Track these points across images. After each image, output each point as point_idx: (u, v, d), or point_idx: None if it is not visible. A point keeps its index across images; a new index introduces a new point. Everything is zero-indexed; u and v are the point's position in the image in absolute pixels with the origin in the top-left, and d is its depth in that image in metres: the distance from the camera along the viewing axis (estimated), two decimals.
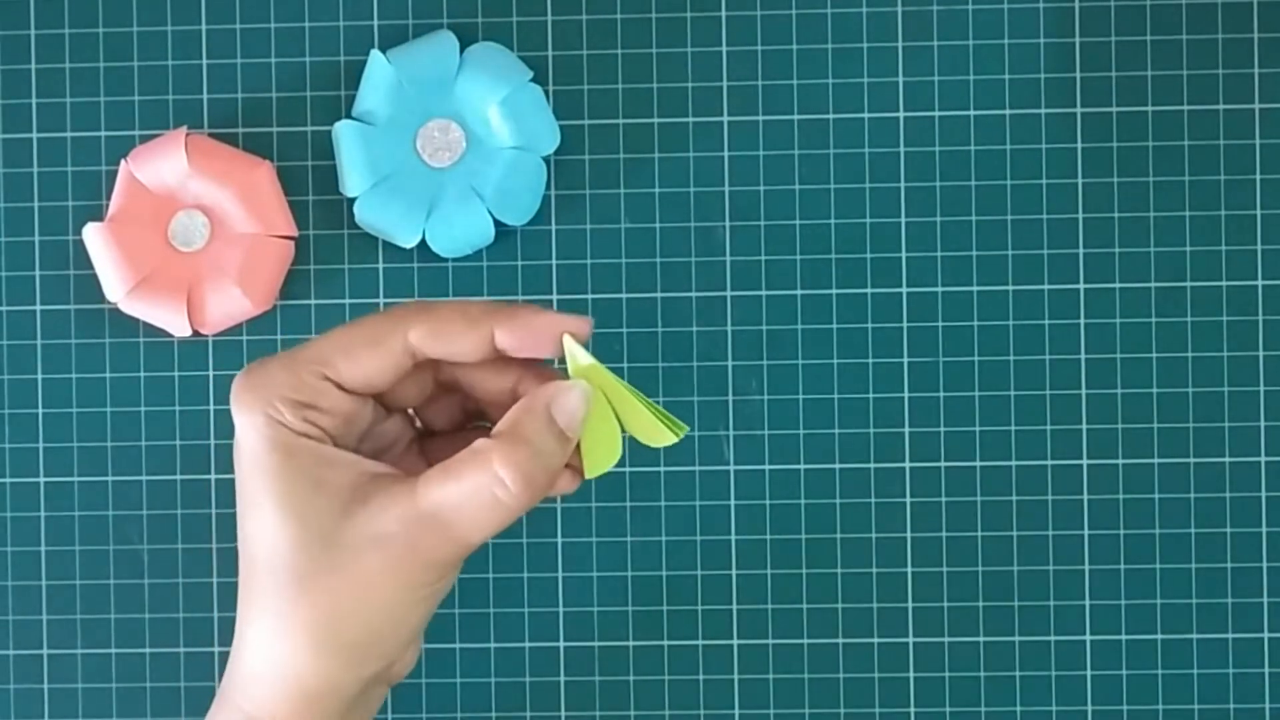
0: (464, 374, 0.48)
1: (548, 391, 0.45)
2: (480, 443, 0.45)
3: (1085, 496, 0.56)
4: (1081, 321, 0.56)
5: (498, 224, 0.56)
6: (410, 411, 0.49)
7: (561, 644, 0.57)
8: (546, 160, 0.56)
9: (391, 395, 0.48)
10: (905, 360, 0.56)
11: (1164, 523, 0.56)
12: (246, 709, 0.46)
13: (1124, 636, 0.56)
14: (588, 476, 0.46)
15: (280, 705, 0.46)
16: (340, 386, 0.46)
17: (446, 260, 0.57)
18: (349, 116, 0.56)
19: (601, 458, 0.46)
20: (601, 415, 0.46)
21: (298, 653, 0.45)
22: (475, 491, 0.44)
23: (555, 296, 0.57)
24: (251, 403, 0.45)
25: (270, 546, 0.45)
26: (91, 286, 0.57)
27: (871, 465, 0.56)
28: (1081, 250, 0.56)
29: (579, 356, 0.46)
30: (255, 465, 0.45)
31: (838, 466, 0.56)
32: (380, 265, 0.57)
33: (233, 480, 0.57)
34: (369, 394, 0.47)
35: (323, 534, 0.45)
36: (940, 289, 0.56)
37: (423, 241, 0.56)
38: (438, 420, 0.49)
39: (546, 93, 0.56)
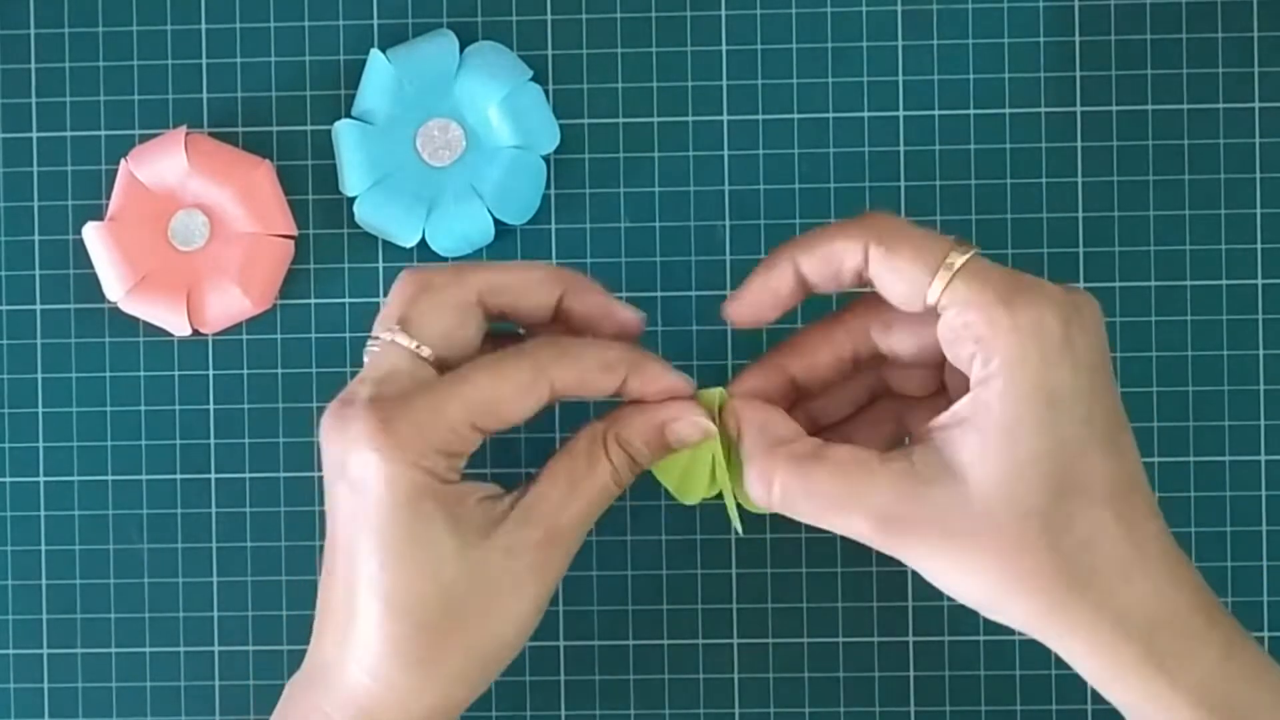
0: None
1: (673, 410, 0.48)
2: (592, 430, 0.48)
3: None
4: None
5: (497, 223, 0.56)
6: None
7: (561, 643, 0.57)
8: (546, 159, 0.56)
9: None
10: None
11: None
12: None
13: None
14: (685, 501, 0.50)
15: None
16: (482, 432, 0.47)
17: (446, 259, 0.57)
18: (349, 116, 0.56)
19: (693, 487, 0.49)
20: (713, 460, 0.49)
21: (440, 688, 0.46)
22: (599, 481, 0.47)
23: None
24: (402, 454, 0.45)
25: (411, 591, 0.45)
26: (91, 286, 0.57)
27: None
28: (1081, 249, 0.56)
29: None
30: (399, 513, 0.45)
31: None
32: (380, 264, 0.57)
33: (233, 480, 0.57)
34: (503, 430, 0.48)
35: (468, 568, 0.46)
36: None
37: (423, 241, 0.56)
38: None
39: (546, 92, 0.56)
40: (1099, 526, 0.43)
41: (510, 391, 0.46)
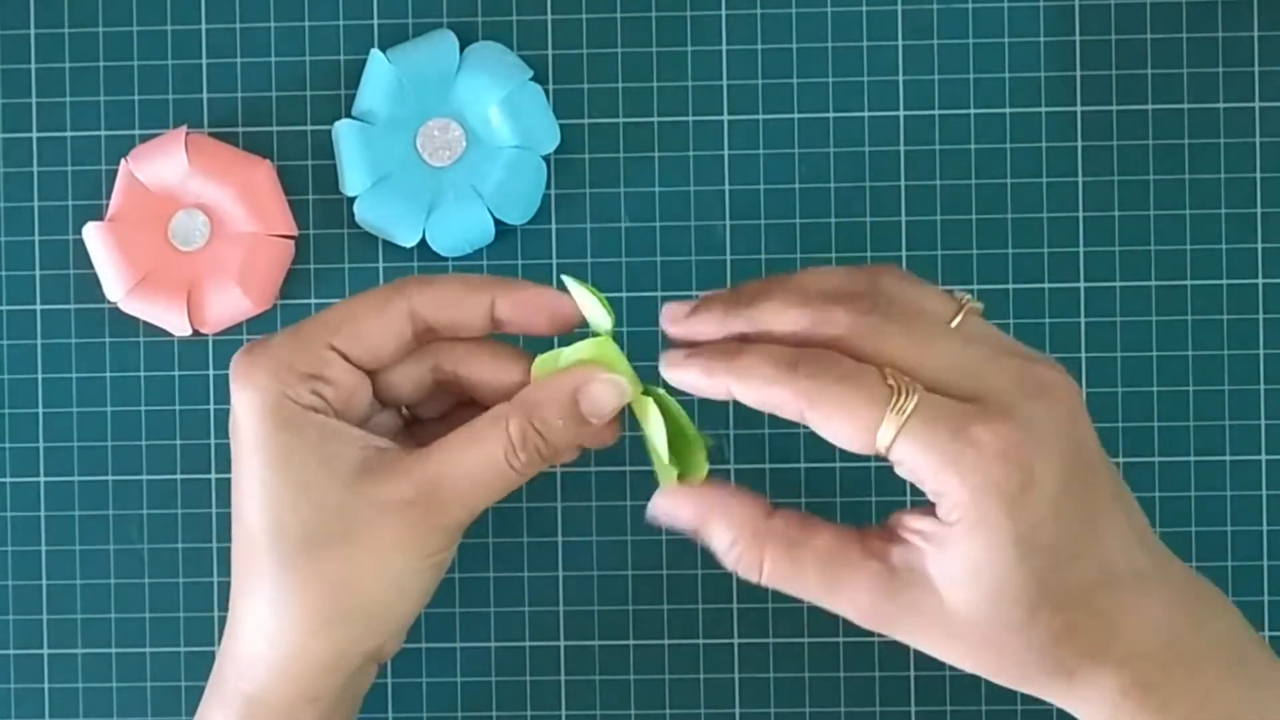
0: (466, 366, 0.48)
1: (580, 375, 0.46)
2: (499, 409, 0.45)
3: None
4: (1082, 320, 0.56)
5: (498, 223, 0.56)
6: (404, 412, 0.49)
7: (562, 643, 0.57)
8: (546, 159, 0.56)
9: (389, 385, 0.48)
10: None
11: (1164, 521, 0.56)
12: (246, 690, 0.46)
13: None
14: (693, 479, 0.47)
15: (282, 682, 0.46)
16: (345, 357, 0.46)
17: (447, 259, 0.57)
18: (349, 116, 0.57)
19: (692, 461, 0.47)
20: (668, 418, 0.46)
21: (303, 628, 0.45)
22: (489, 458, 0.45)
23: None
24: (255, 376, 0.45)
25: (275, 523, 0.45)
26: (91, 286, 0.57)
27: (872, 464, 0.56)
28: (1082, 248, 0.56)
29: (597, 319, 0.46)
30: (259, 441, 0.45)
31: (838, 465, 0.56)
32: (380, 264, 0.57)
33: (230, 480, 0.57)
34: (373, 366, 0.47)
35: (332, 507, 0.45)
36: (940, 287, 0.56)
37: (423, 240, 0.56)
38: (427, 409, 0.50)
39: (546, 92, 0.56)
40: (1073, 624, 0.44)
41: (365, 306, 0.46)
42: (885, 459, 0.43)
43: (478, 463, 0.45)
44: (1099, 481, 0.44)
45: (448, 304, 0.46)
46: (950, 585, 0.43)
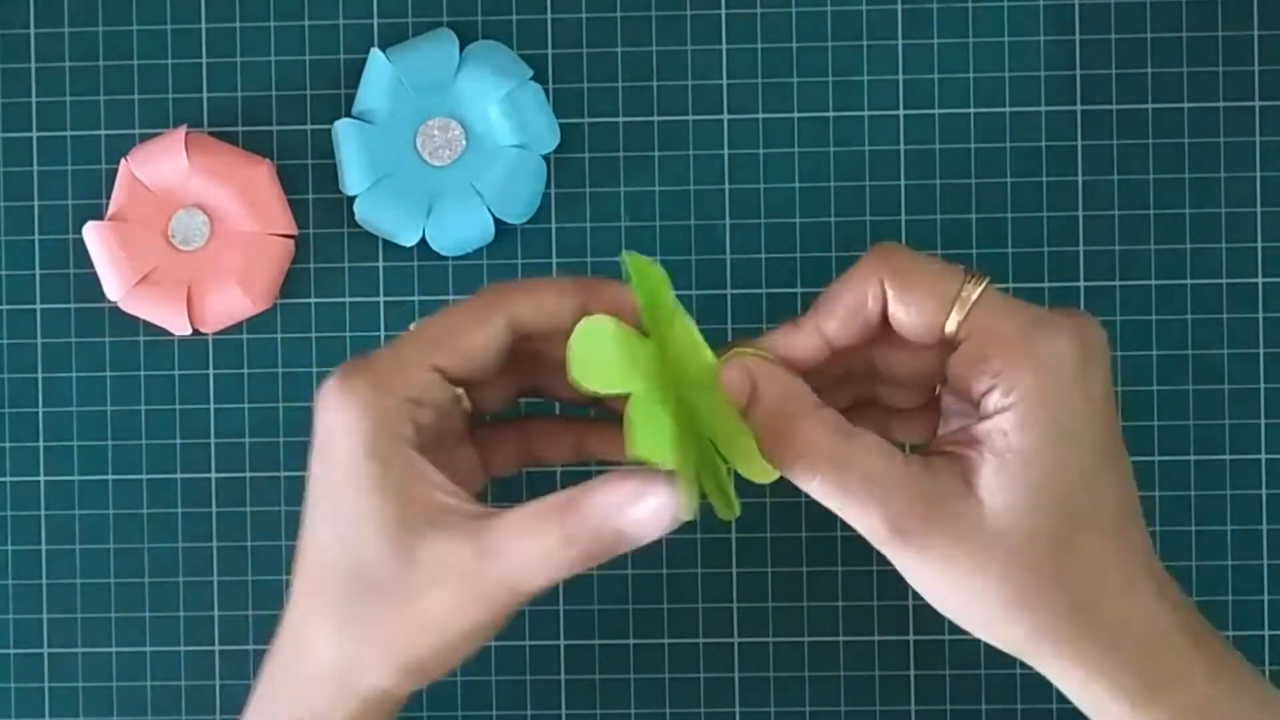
0: (556, 388, 0.48)
1: (630, 488, 0.44)
2: (556, 499, 0.44)
3: None
4: None
5: (498, 222, 0.56)
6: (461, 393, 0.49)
7: (562, 642, 0.57)
8: (546, 158, 0.56)
9: (480, 396, 0.48)
10: None
11: (1164, 520, 0.56)
12: (301, 715, 0.46)
13: None
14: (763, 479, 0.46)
15: (337, 712, 0.46)
16: (445, 376, 0.45)
17: (447, 259, 0.57)
18: (349, 115, 0.57)
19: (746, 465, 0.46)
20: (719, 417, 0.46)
21: (367, 665, 0.45)
22: (543, 551, 0.44)
23: None
24: (356, 399, 0.44)
25: (346, 553, 0.45)
26: (91, 285, 0.57)
27: None
28: (1082, 248, 0.56)
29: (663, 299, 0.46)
30: (350, 468, 0.44)
31: None
32: (380, 264, 0.57)
33: (233, 480, 0.57)
34: (471, 380, 0.46)
35: (401, 552, 0.44)
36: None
37: (423, 240, 0.56)
38: (489, 404, 0.50)
39: (546, 91, 0.56)
40: (1101, 551, 0.44)
41: (464, 321, 0.45)
42: (953, 340, 0.45)
43: (531, 551, 0.44)
44: (1120, 430, 0.46)
45: (545, 310, 0.46)
46: (993, 483, 0.44)
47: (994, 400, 0.44)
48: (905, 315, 0.45)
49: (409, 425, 0.45)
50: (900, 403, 0.50)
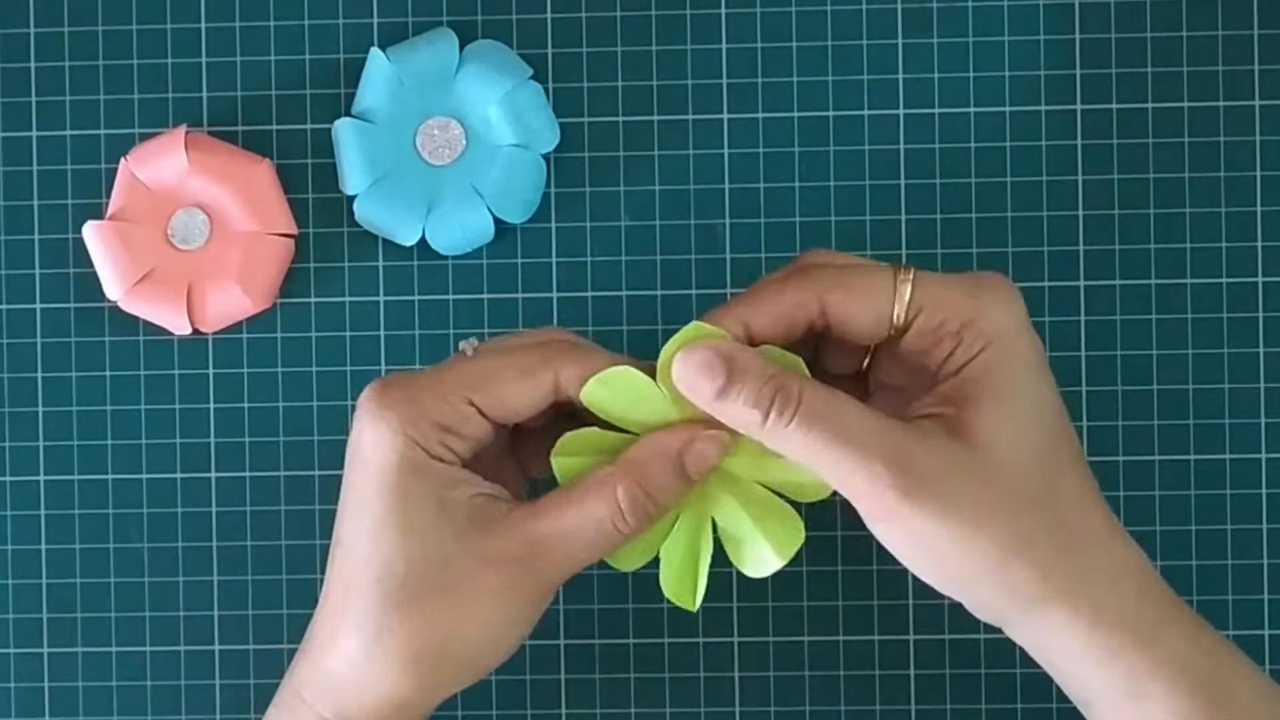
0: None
1: (685, 435, 0.46)
2: (604, 471, 0.46)
3: None
4: (1082, 318, 0.56)
5: (497, 221, 0.56)
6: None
7: (562, 641, 0.57)
8: (546, 158, 0.56)
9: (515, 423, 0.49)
10: None
11: (1164, 519, 0.56)
12: (325, 716, 0.47)
13: None
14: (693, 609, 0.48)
15: (364, 714, 0.46)
16: (482, 414, 0.46)
17: (446, 258, 0.57)
18: (349, 114, 0.56)
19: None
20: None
21: (395, 667, 0.46)
22: (595, 519, 0.46)
23: (555, 294, 0.57)
24: (391, 415, 0.45)
25: (384, 563, 0.45)
26: (91, 285, 0.57)
27: None
28: (1082, 247, 0.56)
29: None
30: (382, 479, 0.45)
31: None
32: (380, 263, 0.57)
33: (233, 479, 0.57)
34: (507, 423, 0.47)
35: (440, 556, 0.45)
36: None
37: (423, 239, 0.56)
38: (530, 424, 0.50)
39: (546, 90, 0.56)
40: (1082, 486, 0.46)
41: (510, 373, 0.46)
42: (903, 328, 0.46)
43: (583, 525, 0.46)
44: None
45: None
46: (982, 425, 0.45)
47: (960, 356, 0.45)
48: (853, 326, 0.46)
49: (444, 449, 0.46)
50: (839, 369, 0.50)
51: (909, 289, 0.46)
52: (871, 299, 0.46)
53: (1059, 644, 0.45)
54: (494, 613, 0.46)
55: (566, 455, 0.47)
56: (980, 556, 0.45)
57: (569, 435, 0.47)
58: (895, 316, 0.46)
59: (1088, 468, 0.47)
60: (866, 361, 0.50)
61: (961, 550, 0.45)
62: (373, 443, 0.46)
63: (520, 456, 0.51)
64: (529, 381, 0.46)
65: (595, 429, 0.47)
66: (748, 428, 0.45)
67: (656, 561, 0.49)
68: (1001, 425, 0.45)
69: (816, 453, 0.45)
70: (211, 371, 0.57)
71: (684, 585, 0.48)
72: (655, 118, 0.57)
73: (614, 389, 0.46)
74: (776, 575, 0.56)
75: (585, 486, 0.46)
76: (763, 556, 0.48)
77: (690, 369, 0.45)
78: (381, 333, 0.57)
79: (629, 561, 0.49)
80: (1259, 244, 0.56)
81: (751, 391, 0.45)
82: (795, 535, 0.48)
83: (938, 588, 0.46)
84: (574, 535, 0.46)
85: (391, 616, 0.45)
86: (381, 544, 0.45)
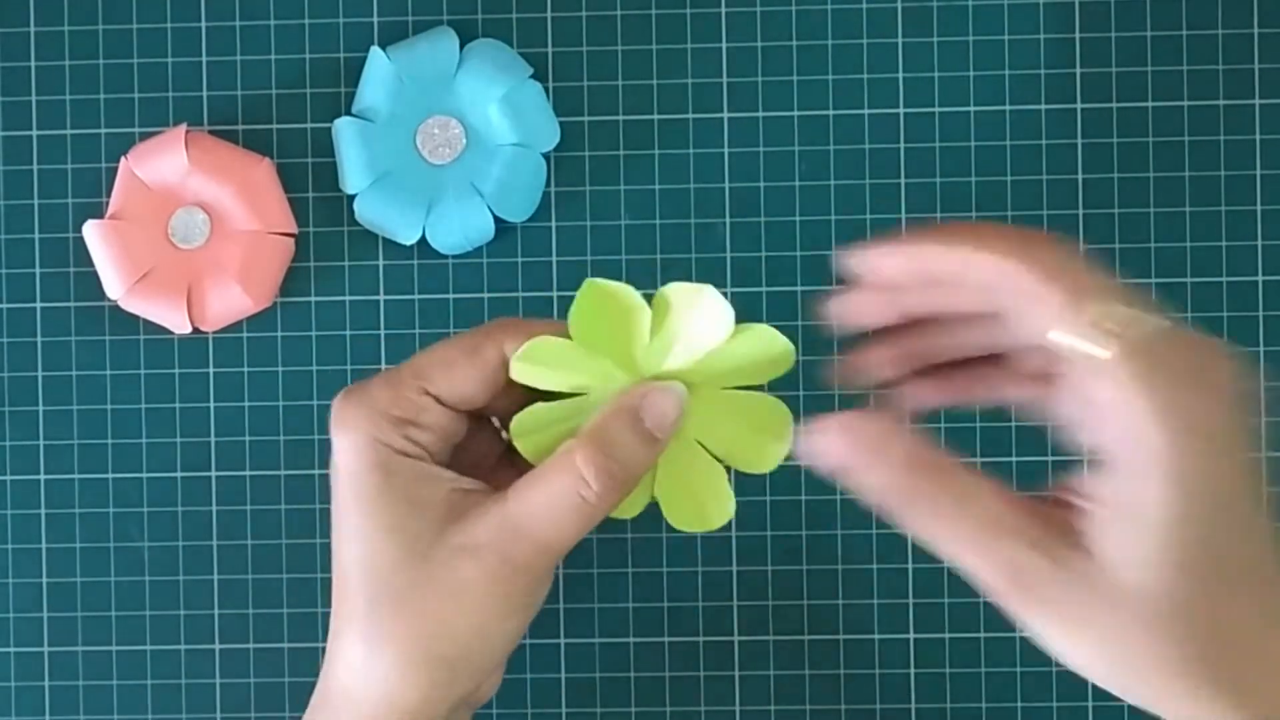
0: None
1: (638, 392, 0.45)
2: (565, 444, 0.45)
3: None
4: None
5: (498, 220, 0.56)
6: (498, 425, 0.49)
7: (562, 640, 0.57)
8: (546, 157, 0.56)
9: (490, 410, 0.48)
10: None
11: None
12: None
13: None
14: (715, 526, 0.47)
15: None
16: (440, 401, 0.46)
17: (447, 257, 0.57)
18: (349, 113, 0.57)
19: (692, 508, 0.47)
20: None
21: (390, 671, 0.45)
22: (561, 494, 0.45)
23: (555, 293, 0.57)
24: (353, 422, 0.45)
25: (364, 566, 0.45)
26: (92, 284, 0.57)
27: None
28: (1082, 245, 0.56)
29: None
30: (354, 485, 0.45)
31: None
32: (380, 262, 0.57)
33: (234, 478, 0.57)
34: (467, 409, 0.47)
35: (418, 551, 0.45)
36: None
37: (423, 238, 0.56)
38: (501, 413, 0.50)
39: (546, 89, 0.56)
40: (1241, 619, 0.40)
41: (457, 355, 0.46)
42: (1055, 341, 0.40)
43: (552, 501, 0.45)
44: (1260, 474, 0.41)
45: None
46: (1122, 549, 0.39)
47: (1125, 457, 0.40)
48: (1030, 307, 0.40)
49: (408, 442, 0.46)
50: (955, 353, 0.46)
51: (1116, 341, 0.39)
52: (1060, 295, 0.40)
53: None
54: (479, 604, 0.45)
55: (528, 435, 0.47)
56: (1104, 665, 0.41)
57: (520, 415, 0.47)
58: (1058, 331, 0.40)
59: (1266, 581, 0.40)
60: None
61: (1084, 655, 0.41)
62: (340, 449, 0.46)
63: (516, 461, 0.51)
64: (477, 360, 0.46)
65: (543, 403, 0.46)
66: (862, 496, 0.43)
67: (655, 507, 0.47)
68: (1142, 561, 0.39)
69: (930, 542, 0.42)
70: (212, 370, 0.57)
71: (703, 508, 0.47)
72: (655, 117, 0.57)
73: (538, 361, 0.46)
74: (776, 574, 0.56)
75: (550, 462, 0.45)
76: (764, 450, 0.46)
77: (815, 449, 0.43)
78: (382, 332, 0.57)
79: (624, 510, 0.47)
80: (1259, 243, 0.56)
81: (877, 486, 0.42)
82: (786, 419, 0.46)
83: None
84: (545, 513, 0.45)
85: (379, 616, 0.45)
86: (361, 545, 0.45)
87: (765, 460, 0.46)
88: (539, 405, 0.46)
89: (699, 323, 0.45)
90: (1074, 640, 0.41)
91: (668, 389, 0.45)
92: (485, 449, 0.49)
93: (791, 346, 0.45)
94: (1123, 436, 0.39)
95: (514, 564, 0.45)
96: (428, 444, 0.46)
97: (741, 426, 0.46)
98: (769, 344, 0.45)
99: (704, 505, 0.47)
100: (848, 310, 0.45)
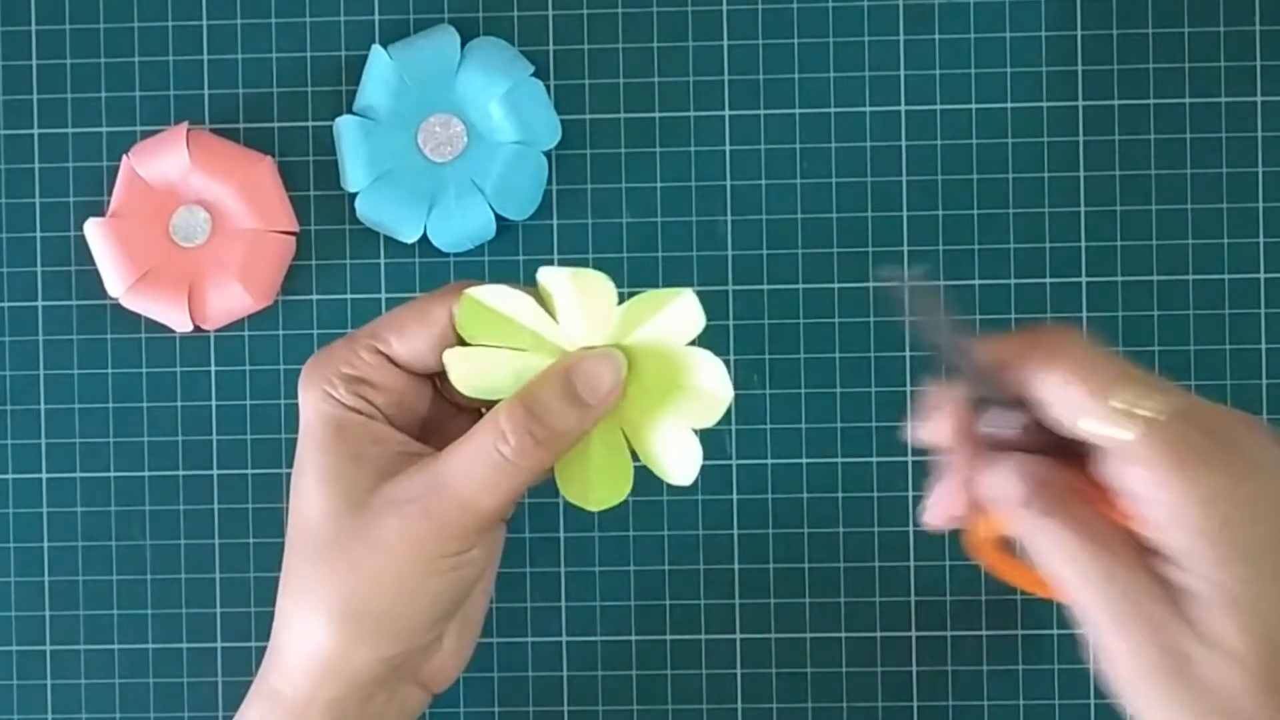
0: None
1: (575, 356, 0.46)
2: (498, 405, 0.46)
3: None
4: (1084, 315, 0.56)
5: (499, 218, 0.56)
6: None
7: (564, 639, 0.57)
8: (548, 155, 0.56)
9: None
10: (908, 354, 0.56)
11: None
12: (274, 683, 0.47)
13: None
14: (592, 509, 0.47)
15: (302, 678, 0.46)
16: (393, 362, 0.47)
17: (448, 255, 0.57)
18: (350, 111, 0.56)
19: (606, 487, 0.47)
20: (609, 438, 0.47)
21: (318, 623, 0.46)
22: (481, 450, 0.45)
23: None
24: (312, 379, 0.47)
25: (306, 517, 0.46)
26: (93, 282, 0.57)
27: (874, 459, 0.56)
28: (1084, 244, 0.56)
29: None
30: (307, 438, 0.47)
31: (840, 460, 0.56)
32: (382, 260, 0.57)
33: (235, 476, 0.57)
34: (421, 369, 0.47)
35: (352, 501, 0.46)
36: (942, 283, 0.56)
37: (424, 236, 0.56)
38: None
39: (548, 87, 0.56)
40: None
41: (408, 315, 0.47)
42: (1096, 430, 0.41)
43: (471, 456, 0.45)
44: None
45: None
46: (1223, 630, 0.39)
47: (1179, 544, 0.40)
48: (1068, 400, 0.41)
49: (360, 400, 0.46)
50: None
51: (1138, 429, 0.40)
52: (1093, 388, 0.41)
53: None
54: (399, 558, 0.45)
55: (458, 364, 0.46)
56: None
57: (453, 349, 0.46)
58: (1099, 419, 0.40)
59: None
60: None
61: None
62: (301, 405, 0.47)
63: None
64: (426, 319, 0.47)
65: (482, 345, 0.46)
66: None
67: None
68: (1230, 630, 0.39)
69: (1070, 608, 0.42)
70: (213, 368, 0.57)
71: (588, 487, 0.47)
72: (656, 114, 0.57)
73: (478, 316, 0.46)
74: (778, 571, 0.56)
75: (480, 422, 0.45)
76: (711, 404, 0.45)
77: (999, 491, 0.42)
78: None
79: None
80: (1260, 240, 0.56)
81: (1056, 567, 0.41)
82: (720, 370, 0.45)
83: None
84: (465, 468, 0.45)
85: (310, 569, 0.46)
86: (304, 496, 0.46)
87: (711, 413, 0.45)
88: (476, 345, 0.46)
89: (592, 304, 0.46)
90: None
91: (605, 356, 0.45)
92: (458, 429, 0.48)
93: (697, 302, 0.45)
94: (1168, 521, 0.40)
95: (434, 518, 0.45)
96: (381, 404, 0.47)
97: (680, 387, 0.46)
98: (684, 307, 0.45)
99: (591, 483, 0.47)
100: (924, 439, 0.44)
